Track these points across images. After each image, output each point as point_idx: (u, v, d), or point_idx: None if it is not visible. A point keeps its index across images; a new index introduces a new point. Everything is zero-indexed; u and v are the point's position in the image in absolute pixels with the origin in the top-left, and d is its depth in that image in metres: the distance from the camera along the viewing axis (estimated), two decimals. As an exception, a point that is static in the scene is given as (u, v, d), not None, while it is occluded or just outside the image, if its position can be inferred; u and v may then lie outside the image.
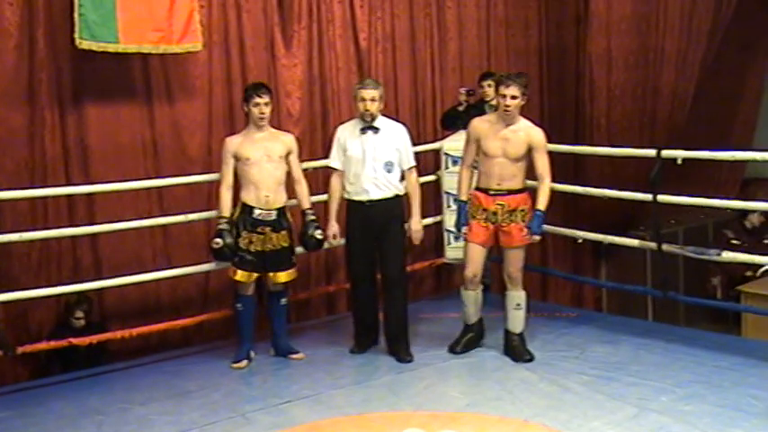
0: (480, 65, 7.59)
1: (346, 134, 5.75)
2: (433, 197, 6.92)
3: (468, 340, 5.86)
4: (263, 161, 5.58)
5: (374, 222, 5.67)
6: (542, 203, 5.53)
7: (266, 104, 5.60)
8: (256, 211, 5.58)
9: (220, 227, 5.54)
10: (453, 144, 6.73)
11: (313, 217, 5.75)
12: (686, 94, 7.65)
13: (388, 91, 5.84)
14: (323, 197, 5.99)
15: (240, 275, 5.62)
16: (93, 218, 5.86)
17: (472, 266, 5.69)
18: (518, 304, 5.68)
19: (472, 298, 5.78)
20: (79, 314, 5.74)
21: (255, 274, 5.66)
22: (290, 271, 5.76)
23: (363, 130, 5.69)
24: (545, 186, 5.55)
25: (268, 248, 5.61)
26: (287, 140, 5.73)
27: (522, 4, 7.92)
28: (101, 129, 5.91)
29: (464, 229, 5.65)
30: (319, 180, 6.28)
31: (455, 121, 6.82)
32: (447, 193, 6.90)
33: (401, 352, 5.73)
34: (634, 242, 6.53)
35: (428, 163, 6.89)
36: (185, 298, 6.28)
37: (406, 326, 5.82)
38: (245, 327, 5.76)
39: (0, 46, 5.52)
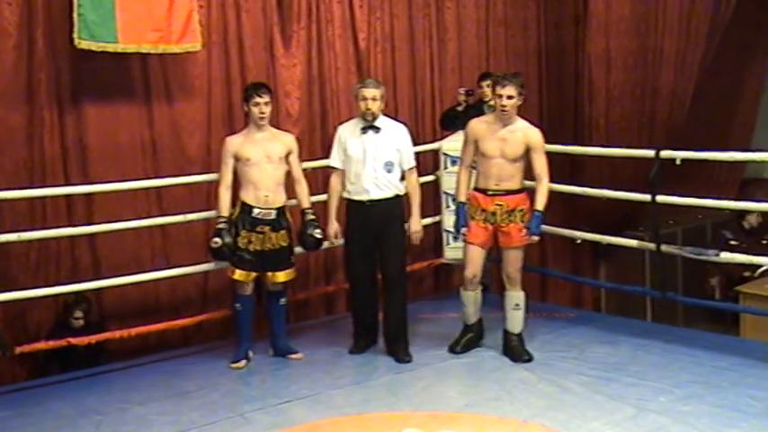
0: (479, 65, 7.59)
1: (347, 133, 5.75)
2: (432, 197, 6.92)
3: (467, 340, 5.86)
4: (263, 162, 5.58)
5: (374, 222, 5.67)
6: (541, 204, 5.54)
7: (266, 104, 5.60)
8: (256, 211, 5.58)
9: (219, 226, 5.54)
10: (452, 144, 6.74)
11: (312, 216, 5.75)
12: (685, 95, 7.65)
13: (387, 91, 5.83)
14: (322, 197, 5.99)
15: (239, 275, 5.62)
16: (92, 218, 5.86)
17: (472, 267, 5.69)
18: (517, 304, 5.69)
19: (472, 298, 5.79)
20: (78, 314, 5.73)
21: (254, 274, 5.66)
22: (288, 271, 5.76)
23: (364, 130, 5.69)
24: (543, 186, 5.56)
25: (267, 248, 5.61)
26: (287, 141, 5.73)
27: (521, 5, 7.92)
28: (100, 129, 5.91)
29: (463, 230, 5.65)
30: (319, 180, 6.28)
31: (454, 121, 6.82)
32: (446, 193, 6.90)
33: (400, 352, 5.73)
34: (633, 243, 6.53)
35: (427, 163, 6.90)
36: (184, 298, 6.28)
37: (405, 326, 5.82)
38: (243, 327, 5.76)
39: (-1, 45, 5.53)
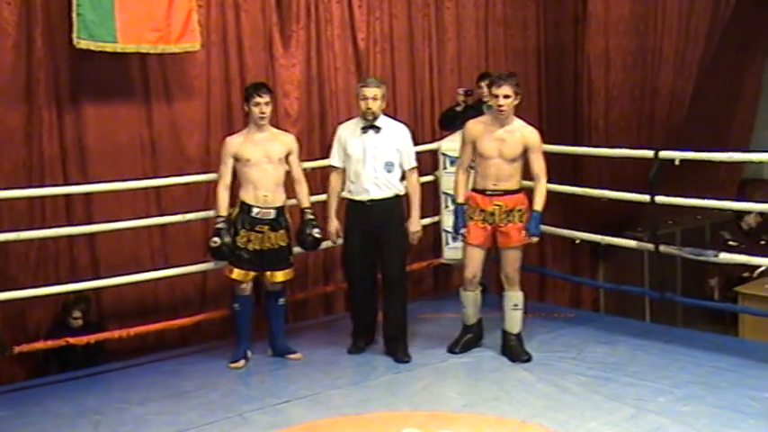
0: (478, 65, 7.59)
1: (347, 133, 5.74)
2: (431, 197, 6.92)
3: (466, 341, 5.86)
4: (263, 162, 5.58)
5: (374, 222, 5.66)
6: (539, 204, 5.55)
7: (267, 104, 5.59)
8: (255, 210, 5.58)
9: (218, 226, 5.54)
10: (451, 144, 6.73)
11: (311, 216, 5.75)
12: (684, 95, 7.65)
13: (386, 91, 5.82)
14: (321, 197, 5.99)
15: (237, 274, 5.62)
16: (91, 217, 5.86)
17: (471, 268, 5.69)
18: (515, 305, 5.69)
19: (471, 299, 5.79)
20: (77, 314, 5.73)
21: (252, 273, 5.65)
22: (287, 270, 5.76)
23: (365, 129, 5.68)
24: (541, 186, 5.56)
25: (266, 247, 5.61)
26: (287, 141, 5.73)
27: (520, 5, 7.92)
28: (99, 128, 5.91)
29: (463, 231, 5.65)
30: (318, 180, 6.28)
31: (453, 121, 6.81)
32: (445, 193, 6.90)
33: (399, 352, 5.73)
34: (632, 243, 6.53)
35: (426, 163, 6.89)
36: (183, 298, 6.28)
37: (405, 326, 5.82)
38: (242, 327, 5.75)
39: (-2, 45, 5.53)
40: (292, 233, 5.75)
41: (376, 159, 5.65)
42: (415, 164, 5.81)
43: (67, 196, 5.79)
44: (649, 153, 6.03)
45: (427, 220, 6.60)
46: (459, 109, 6.89)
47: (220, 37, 6.35)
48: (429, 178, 6.88)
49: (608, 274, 8.28)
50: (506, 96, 5.45)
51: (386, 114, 5.79)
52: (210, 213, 5.82)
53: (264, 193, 5.58)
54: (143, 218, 5.91)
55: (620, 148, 6.66)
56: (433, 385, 5.38)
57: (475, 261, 5.69)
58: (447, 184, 6.74)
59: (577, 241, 7.06)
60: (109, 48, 5.65)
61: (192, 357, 5.93)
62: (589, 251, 8.23)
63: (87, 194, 5.83)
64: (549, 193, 5.67)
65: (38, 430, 4.84)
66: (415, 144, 5.94)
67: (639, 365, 5.52)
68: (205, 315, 6.16)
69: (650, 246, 6.24)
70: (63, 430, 4.83)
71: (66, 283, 5.65)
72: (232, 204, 5.63)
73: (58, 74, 5.73)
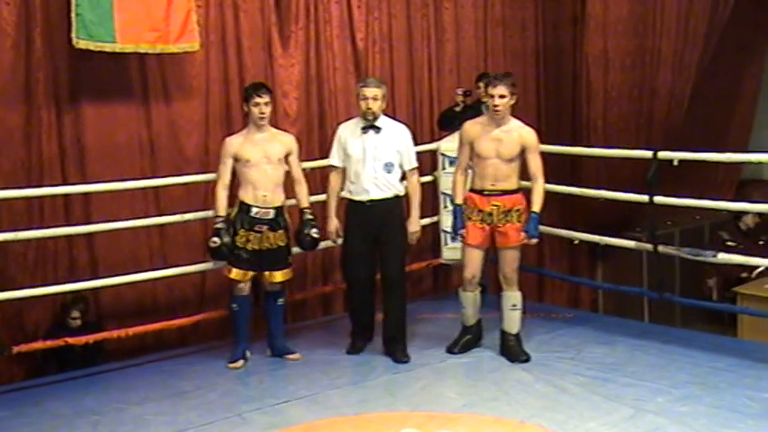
0: (477, 65, 7.59)
1: (347, 133, 5.74)
2: (429, 198, 6.92)
3: (466, 342, 5.86)
4: (263, 163, 5.57)
5: (374, 223, 5.66)
6: (537, 205, 5.56)
7: (266, 104, 5.59)
8: (254, 210, 5.57)
9: (217, 226, 5.53)
10: (450, 145, 6.72)
11: (310, 216, 5.75)
12: (683, 96, 7.66)
13: (386, 91, 5.82)
14: (321, 197, 5.99)
15: (235, 274, 5.61)
16: (90, 217, 5.85)
17: (470, 268, 5.70)
18: (514, 305, 5.69)
19: (471, 299, 5.79)
20: (75, 314, 5.73)
21: (251, 273, 5.65)
22: (286, 270, 5.76)
23: (365, 130, 5.68)
24: (539, 187, 5.57)
25: (265, 247, 5.61)
26: (286, 141, 5.73)
27: (518, 5, 7.92)
28: (97, 128, 5.91)
29: (462, 232, 5.66)
30: (317, 180, 6.28)
31: (452, 121, 6.81)
32: (444, 193, 6.90)
33: (398, 353, 5.73)
34: (630, 243, 6.53)
35: (425, 163, 6.88)
36: (181, 298, 6.28)
37: (404, 327, 5.82)
38: (240, 327, 5.75)
39: (-3, 45, 5.53)
40: (291, 233, 5.75)
41: (376, 160, 5.65)
42: (415, 164, 5.81)
43: (66, 196, 5.79)
44: (648, 153, 6.04)
45: (426, 221, 6.61)
46: (457, 109, 6.89)
47: (219, 37, 6.35)
48: (428, 178, 6.88)
49: (606, 275, 8.29)
50: (502, 96, 5.46)
51: (386, 115, 5.79)
52: (209, 213, 5.82)
53: (264, 193, 5.58)
54: (142, 218, 5.91)
55: (619, 148, 6.66)
56: (431, 385, 5.38)
57: (474, 261, 5.69)
58: (446, 184, 6.74)
59: (576, 241, 7.06)
60: (108, 48, 5.65)
61: (191, 357, 5.93)
62: (588, 251, 8.23)
63: (86, 194, 5.83)
64: (548, 194, 5.68)
65: (36, 430, 4.84)
66: (414, 144, 5.94)
67: (638, 366, 5.52)
68: (204, 315, 6.16)
69: (649, 246, 6.24)
70: (61, 430, 4.82)
71: (65, 282, 5.64)
72: (231, 204, 5.63)
73: (56, 74, 5.73)
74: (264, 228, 5.59)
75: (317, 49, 6.79)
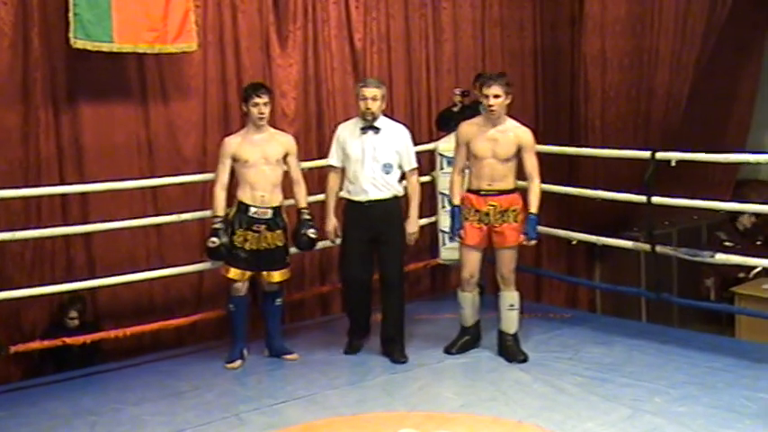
0: (475, 66, 7.59)
1: (346, 133, 5.73)
2: (427, 198, 6.92)
3: (464, 343, 5.86)
4: (261, 163, 5.57)
5: (372, 223, 5.66)
6: (535, 206, 5.56)
7: (266, 105, 5.59)
8: (252, 209, 5.57)
9: (216, 226, 5.53)
10: (448, 145, 6.72)
11: (308, 216, 5.75)
12: (680, 96, 7.66)
13: (385, 92, 5.81)
14: (319, 197, 5.99)
15: (233, 273, 5.61)
16: (87, 217, 5.85)
17: (468, 268, 5.70)
18: (511, 305, 5.69)
19: (469, 300, 5.79)
20: (73, 314, 5.73)
21: (249, 273, 5.65)
22: (284, 270, 5.75)
23: (364, 130, 5.67)
24: (535, 187, 5.58)
25: (263, 247, 5.61)
26: (285, 142, 5.72)
27: (516, 5, 7.92)
28: (95, 128, 5.90)
29: (460, 233, 5.65)
30: (315, 180, 6.28)
31: (450, 121, 6.81)
32: (441, 193, 6.90)
33: (396, 353, 5.73)
34: (628, 244, 6.53)
35: (423, 164, 6.88)
36: (179, 298, 6.27)
37: (402, 327, 5.81)
38: (238, 327, 5.74)
39: (-5, 45, 5.52)
40: (289, 233, 5.75)
41: (375, 160, 5.64)
42: (415, 165, 5.81)
43: (64, 196, 5.79)
44: (646, 154, 6.04)
45: (424, 221, 6.60)
46: (455, 109, 6.90)
47: (217, 37, 6.34)
48: (426, 178, 6.88)
49: (604, 275, 8.29)
50: (497, 96, 5.47)
51: (385, 115, 5.78)
52: (206, 213, 5.82)
53: (262, 193, 5.57)
54: (139, 218, 5.90)
55: (617, 148, 6.66)
56: (429, 386, 5.38)
57: (472, 262, 5.70)
58: (443, 184, 6.75)
59: (574, 242, 7.06)
60: (105, 48, 5.64)
61: (189, 357, 5.93)
62: (585, 251, 8.23)
63: (83, 194, 5.82)
64: (546, 194, 5.69)
65: (34, 430, 4.83)
66: (413, 144, 5.93)
67: (636, 366, 5.53)
68: (201, 315, 6.15)
69: (647, 246, 6.24)
70: (59, 430, 4.82)
71: (62, 282, 5.64)
72: (229, 204, 5.63)
73: (54, 74, 5.73)
74: (262, 227, 5.59)
75: (315, 50, 6.78)
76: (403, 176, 5.76)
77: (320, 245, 5.95)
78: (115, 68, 5.90)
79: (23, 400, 5.25)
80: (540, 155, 5.68)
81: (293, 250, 5.84)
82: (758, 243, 8.30)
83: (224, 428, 4.77)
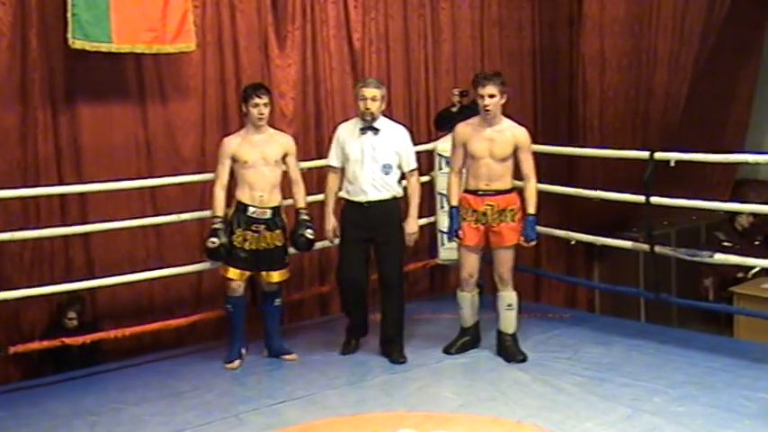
0: (474, 66, 7.58)
1: (345, 134, 5.73)
2: (426, 198, 6.91)
3: (463, 343, 5.86)
4: (260, 164, 5.57)
5: (371, 224, 5.65)
6: (533, 207, 5.58)
7: (266, 105, 5.59)
8: (251, 209, 5.57)
9: (215, 226, 5.53)
10: (447, 145, 6.69)
11: (306, 217, 5.74)
12: (679, 96, 7.66)
13: (385, 92, 5.80)
14: (318, 197, 5.99)
15: (232, 273, 5.61)
16: (86, 218, 5.84)
17: (467, 267, 5.71)
18: (509, 305, 5.70)
19: (468, 300, 5.79)
20: (72, 315, 5.73)
21: (248, 273, 5.65)
22: (283, 270, 5.75)
23: (363, 131, 5.67)
24: (531, 187, 5.59)
25: (262, 247, 5.61)
26: (284, 142, 5.72)
27: (515, 6, 7.92)
28: (94, 129, 5.90)
29: (460, 233, 5.65)
30: (314, 180, 6.28)
31: (449, 121, 6.79)
32: (440, 193, 6.89)
33: (395, 354, 5.73)
34: (627, 244, 6.53)
35: (422, 164, 6.87)
36: (178, 298, 6.27)
37: (401, 328, 5.80)
38: (236, 327, 5.74)
39: (-7, 46, 5.52)
40: (288, 233, 5.74)
41: (374, 161, 5.63)
42: (415, 165, 5.80)
43: (62, 196, 5.78)
44: (645, 154, 6.04)
45: (423, 221, 6.60)
46: (454, 109, 6.89)
47: (216, 37, 6.34)
48: (425, 179, 6.87)
49: (603, 275, 8.29)
50: (491, 96, 5.48)
51: (385, 116, 5.78)
52: (205, 213, 5.82)
53: (260, 193, 5.57)
54: (138, 218, 5.90)
55: (615, 148, 6.67)
56: (428, 386, 5.38)
57: (470, 262, 5.70)
58: (442, 184, 6.73)
59: (573, 242, 7.06)
60: (104, 48, 5.64)
61: (188, 358, 5.92)
62: (584, 252, 8.24)
63: (82, 194, 5.82)
64: (545, 194, 5.69)
65: (33, 431, 4.83)
66: (412, 145, 5.93)
67: (635, 366, 5.53)
68: (200, 315, 6.15)
69: (645, 246, 6.25)
70: (59, 431, 4.82)
71: (61, 283, 5.64)
72: (228, 204, 5.62)
73: (52, 74, 5.72)
74: (261, 227, 5.59)
75: (313, 50, 6.78)
76: (403, 177, 5.76)
77: (319, 245, 5.95)
78: (113, 69, 5.90)
79: (23, 401, 5.24)
80: (539, 155, 5.69)
81: (292, 250, 5.84)
82: (756, 243, 8.30)
83: (223, 429, 4.77)
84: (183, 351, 6.06)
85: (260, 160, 5.57)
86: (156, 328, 5.94)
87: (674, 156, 5.89)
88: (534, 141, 5.73)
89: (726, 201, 7.59)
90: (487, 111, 5.50)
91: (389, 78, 7.14)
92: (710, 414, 4.73)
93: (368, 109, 5.61)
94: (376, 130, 5.66)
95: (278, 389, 5.33)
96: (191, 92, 6.27)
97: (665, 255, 6.23)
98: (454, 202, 5.69)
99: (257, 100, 5.55)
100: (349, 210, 5.73)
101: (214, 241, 5.49)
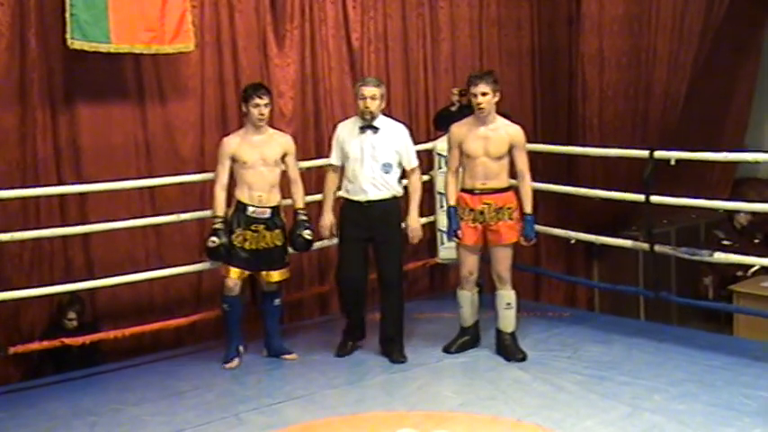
0: (473, 65, 7.58)
1: (345, 132, 5.72)
2: (426, 197, 6.90)
3: (462, 343, 5.85)
4: (259, 165, 5.57)
5: (371, 223, 5.64)
6: (529, 206, 5.60)
7: (266, 105, 5.59)
8: (250, 209, 5.57)
9: (216, 226, 5.53)
10: (446, 144, 6.72)
11: (304, 217, 5.74)
12: (678, 95, 7.66)
13: (385, 91, 5.80)
14: (317, 197, 5.99)
15: (233, 273, 5.60)
16: (86, 218, 5.85)
17: (467, 266, 5.71)
18: (508, 303, 5.69)
19: (468, 299, 5.79)
20: (71, 315, 5.72)
21: (247, 272, 5.65)
22: (283, 270, 5.75)
23: (363, 129, 5.66)
24: (526, 186, 5.60)
25: (261, 246, 5.61)
26: (283, 142, 5.72)
27: (514, 5, 7.92)
28: (93, 129, 5.90)
29: (459, 233, 5.65)
30: (313, 180, 6.28)
31: (448, 121, 6.75)
32: (440, 193, 6.89)
33: (395, 353, 5.72)
34: (627, 243, 6.53)
35: (421, 163, 6.86)
36: (178, 298, 6.27)
37: (401, 328, 5.80)
38: (232, 326, 5.73)
39: (-8, 46, 5.52)
40: (287, 233, 5.74)
41: (374, 160, 5.63)
42: (415, 163, 5.79)
43: (62, 196, 5.78)
44: (644, 153, 6.04)
45: (423, 220, 6.56)
46: (453, 109, 6.88)
47: (214, 37, 6.34)
48: (424, 178, 6.86)
49: (603, 274, 8.29)
50: (484, 94, 5.48)
51: (385, 114, 5.77)
52: (205, 213, 5.82)
53: (259, 193, 5.58)
54: (138, 218, 5.90)
55: (615, 147, 6.66)
56: (428, 385, 5.38)
57: (470, 260, 5.70)
58: (442, 183, 6.74)
59: (572, 241, 7.07)
60: (102, 48, 5.64)
61: (188, 358, 5.92)
62: (584, 250, 8.24)
63: (82, 195, 5.82)
64: (545, 193, 5.70)
65: (33, 431, 4.83)
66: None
67: (634, 364, 5.53)
68: (200, 315, 6.14)
69: (645, 245, 6.24)
70: (59, 431, 4.82)
71: (61, 283, 5.64)
72: (229, 204, 5.62)
73: (51, 74, 5.72)
74: (261, 227, 5.58)
75: (312, 49, 6.78)
76: (404, 175, 5.75)
77: (317, 245, 5.95)
78: (112, 69, 5.90)
79: (23, 401, 5.24)
80: (538, 154, 5.68)
81: (291, 250, 5.84)
82: (756, 241, 8.31)
83: (223, 428, 4.77)
84: (183, 351, 6.06)
85: (259, 161, 5.57)
86: (155, 329, 5.94)
87: (673, 154, 5.89)
88: (534, 140, 5.74)
89: (725, 199, 7.57)
90: (481, 109, 5.51)
91: (388, 78, 7.14)
92: (710, 412, 4.72)
93: (367, 108, 5.60)
94: (375, 129, 5.65)
95: (278, 388, 5.33)
96: (189, 92, 6.27)
97: (665, 253, 6.23)
98: (452, 202, 5.69)
99: (258, 100, 5.54)
100: (349, 209, 5.72)
101: (214, 241, 5.49)
